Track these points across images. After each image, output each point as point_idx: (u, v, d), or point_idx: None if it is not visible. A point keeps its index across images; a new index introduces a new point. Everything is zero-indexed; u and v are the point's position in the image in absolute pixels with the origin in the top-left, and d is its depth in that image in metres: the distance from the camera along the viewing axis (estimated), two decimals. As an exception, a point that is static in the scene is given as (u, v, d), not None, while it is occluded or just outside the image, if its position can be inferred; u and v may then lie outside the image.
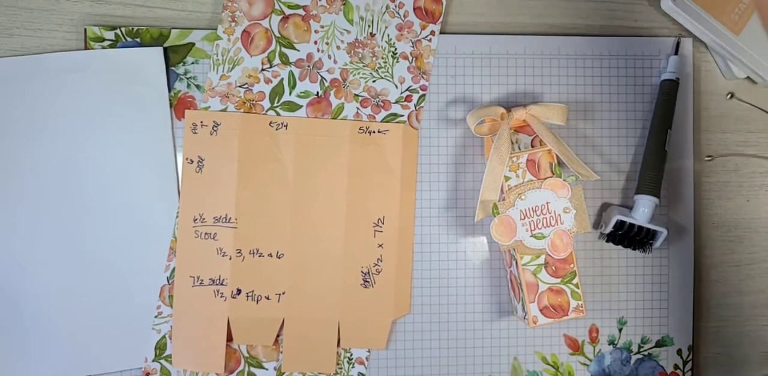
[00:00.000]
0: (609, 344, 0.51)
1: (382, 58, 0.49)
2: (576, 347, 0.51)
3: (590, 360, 0.51)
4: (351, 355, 0.49)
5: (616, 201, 0.51)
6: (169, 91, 0.48)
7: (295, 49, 0.49)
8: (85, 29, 0.48)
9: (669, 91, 0.50)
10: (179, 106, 0.49)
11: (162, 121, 0.48)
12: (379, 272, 0.49)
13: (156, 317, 0.48)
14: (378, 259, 0.49)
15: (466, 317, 0.50)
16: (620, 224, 0.48)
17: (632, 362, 0.51)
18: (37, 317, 0.47)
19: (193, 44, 0.49)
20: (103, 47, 0.48)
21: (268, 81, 0.49)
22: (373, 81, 0.49)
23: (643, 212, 0.49)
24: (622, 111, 0.51)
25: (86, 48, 0.48)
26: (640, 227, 0.48)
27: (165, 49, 0.48)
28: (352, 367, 0.49)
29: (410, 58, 0.50)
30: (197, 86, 0.49)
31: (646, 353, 0.51)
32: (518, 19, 0.51)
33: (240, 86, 0.49)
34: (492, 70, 0.51)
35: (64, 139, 0.47)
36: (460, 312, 0.50)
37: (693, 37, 0.52)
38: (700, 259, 0.53)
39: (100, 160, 0.48)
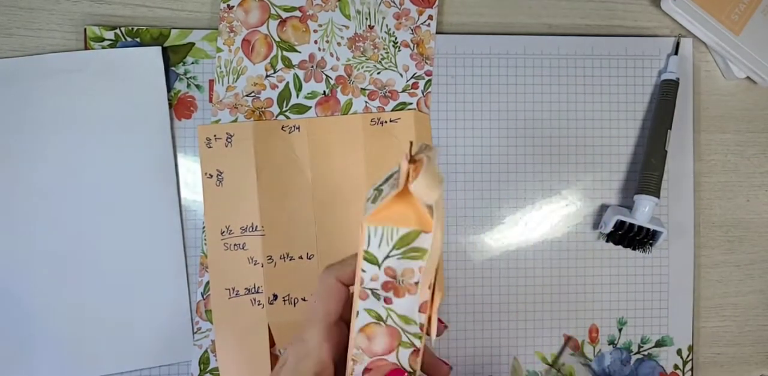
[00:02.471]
0: (609, 344, 0.51)
1: (384, 48, 0.49)
2: (576, 347, 0.51)
3: (590, 360, 0.51)
4: None
5: (615, 201, 0.51)
6: (169, 91, 0.48)
7: (296, 51, 0.49)
8: (85, 29, 0.48)
9: (669, 91, 0.50)
10: (179, 106, 0.49)
11: (161, 121, 0.48)
12: None
13: (195, 333, 0.48)
14: None
15: (466, 318, 0.50)
16: (620, 224, 0.48)
17: (632, 362, 0.51)
18: (36, 319, 0.47)
19: (193, 44, 0.49)
20: (103, 47, 0.48)
21: (274, 87, 0.49)
22: (378, 73, 0.49)
23: (643, 211, 0.49)
24: (621, 111, 0.51)
25: (86, 48, 0.48)
26: (640, 227, 0.48)
27: (165, 49, 0.48)
28: None
29: (411, 45, 0.50)
30: (197, 86, 0.49)
31: (646, 353, 0.51)
32: (518, 19, 0.51)
33: (247, 95, 0.49)
34: (492, 70, 0.51)
35: (64, 139, 0.47)
36: (460, 312, 0.50)
37: (693, 37, 0.52)
38: (700, 259, 0.53)
39: (99, 160, 0.48)
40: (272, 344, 0.48)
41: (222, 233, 0.48)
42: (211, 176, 0.48)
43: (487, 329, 0.50)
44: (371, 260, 0.32)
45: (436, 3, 0.50)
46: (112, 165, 0.48)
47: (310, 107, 0.49)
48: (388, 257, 0.32)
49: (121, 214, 0.48)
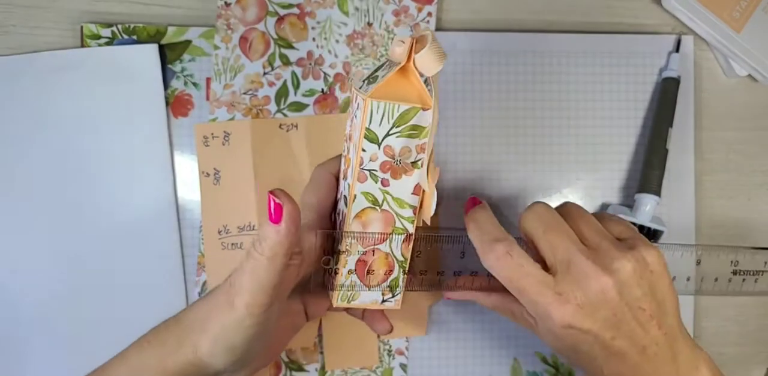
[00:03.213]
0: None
1: (383, 46, 0.49)
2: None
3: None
4: (390, 347, 0.49)
5: (616, 200, 0.51)
6: (166, 89, 0.48)
7: (294, 48, 0.49)
8: (82, 27, 0.47)
9: (670, 89, 0.50)
10: (176, 104, 0.48)
11: (158, 119, 0.48)
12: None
13: None
14: None
15: (465, 318, 0.50)
16: (621, 223, 0.48)
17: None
18: (32, 319, 0.47)
19: (190, 42, 0.48)
20: (100, 45, 0.47)
21: (271, 84, 0.49)
22: None
23: (644, 210, 0.48)
24: (622, 109, 0.51)
25: (82, 46, 0.47)
26: (641, 226, 0.48)
27: (162, 47, 0.48)
28: (393, 358, 0.49)
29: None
30: (194, 84, 0.48)
31: (647, 353, 0.51)
32: (518, 16, 0.51)
33: (245, 93, 0.48)
34: (492, 67, 0.50)
35: (60, 137, 0.47)
36: (460, 312, 0.50)
37: (694, 35, 0.52)
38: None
39: (95, 158, 0.47)
40: (270, 344, 0.48)
41: (219, 233, 0.48)
42: (208, 175, 0.48)
43: (486, 330, 0.50)
44: (372, 138, 0.33)
45: (435, 0, 0.50)
46: (109, 164, 0.47)
47: (308, 105, 0.49)
48: (388, 135, 0.33)
49: (117, 213, 0.47)
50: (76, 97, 0.47)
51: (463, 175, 0.50)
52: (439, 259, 0.39)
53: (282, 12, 0.49)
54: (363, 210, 0.34)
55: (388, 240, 0.35)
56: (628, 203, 0.51)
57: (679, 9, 0.50)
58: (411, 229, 0.35)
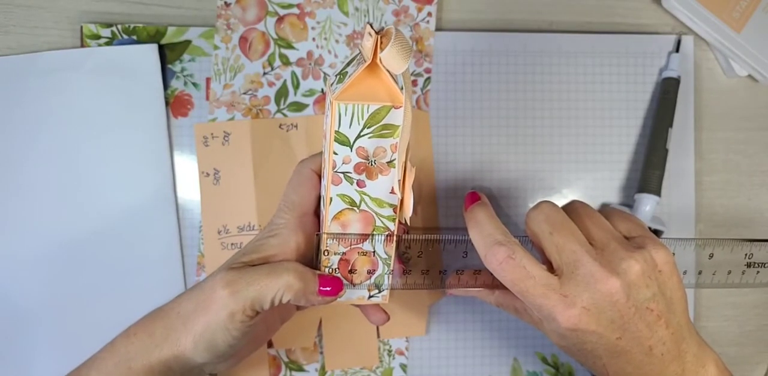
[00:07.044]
0: (609, 344, 0.51)
1: None
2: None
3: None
4: (390, 347, 0.49)
5: (616, 200, 0.51)
6: (166, 89, 0.48)
7: (294, 48, 0.49)
8: (81, 27, 0.47)
9: (670, 90, 0.50)
10: (176, 104, 0.48)
11: (158, 119, 0.48)
12: (408, 260, 0.48)
13: None
14: (406, 247, 0.48)
15: (465, 317, 0.50)
16: (621, 223, 0.48)
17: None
18: (32, 320, 0.47)
19: (189, 42, 0.48)
20: (100, 45, 0.47)
21: (271, 84, 0.49)
22: None
23: (644, 210, 0.48)
24: (622, 109, 0.51)
25: (82, 46, 0.47)
26: (641, 226, 0.48)
27: (161, 47, 0.48)
28: (393, 358, 0.49)
29: (411, 42, 0.49)
30: (194, 84, 0.48)
31: (646, 353, 0.51)
32: (518, 16, 0.51)
33: (244, 93, 0.48)
34: (492, 67, 0.50)
35: (60, 137, 0.47)
36: (460, 312, 0.50)
37: (694, 35, 0.52)
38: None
39: (95, 159, 0.47)
40: (270, 344, 0.48)
41: (219, 233, 0.48)
42: (208, 175, 0.48)
43: (486, 330, 0.50)
44: (343, 141, 0.32)
45: (435, 0, 0.49)
46: (108, 164, 0.47)
47: (308, 105, 0.49)
48: (359, 136, 0.32)
49: (117, 213, 0.47)
50: (76, 97, 0.47)
51: (462, 175, 0.50)
52: (442, 259, 0.38)
53: (282, 12, 0.49)
54: (341, 211, 0.34)
55: (369, 239, 0.35)
56: (628, 203, 0.51)
57: (679, 9, 0.50)
58: (393, 227, 0.34)
